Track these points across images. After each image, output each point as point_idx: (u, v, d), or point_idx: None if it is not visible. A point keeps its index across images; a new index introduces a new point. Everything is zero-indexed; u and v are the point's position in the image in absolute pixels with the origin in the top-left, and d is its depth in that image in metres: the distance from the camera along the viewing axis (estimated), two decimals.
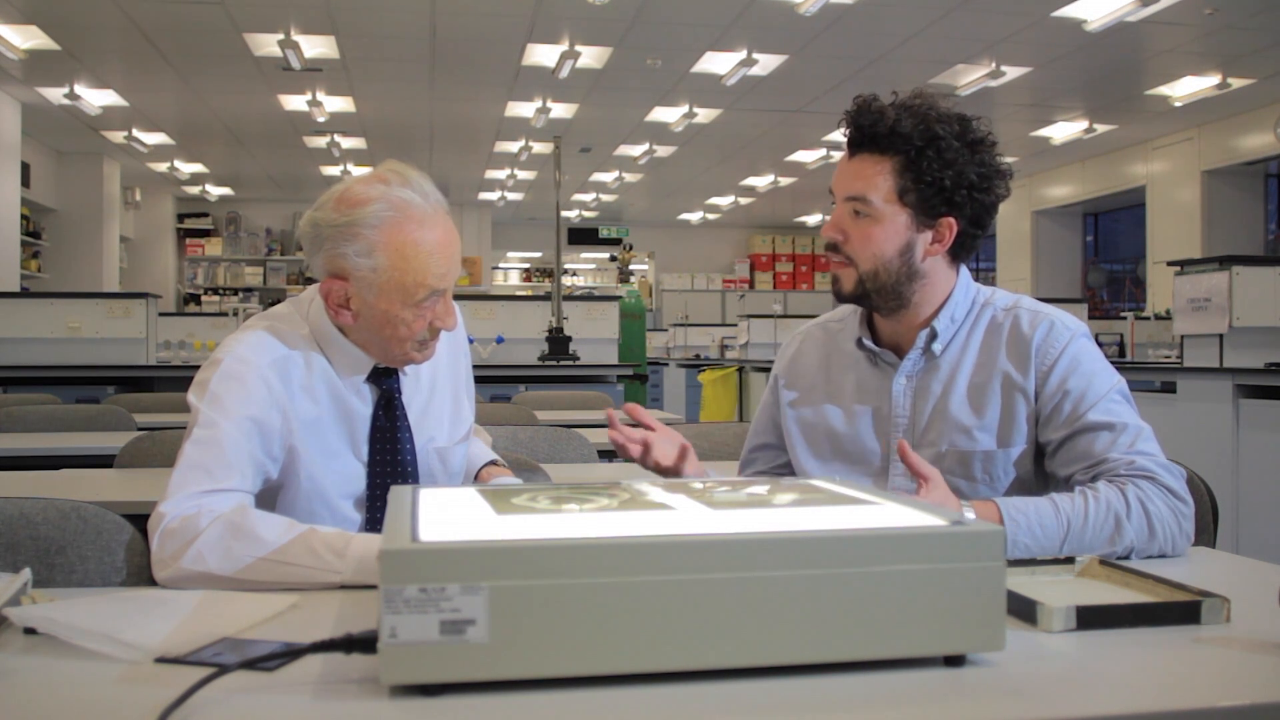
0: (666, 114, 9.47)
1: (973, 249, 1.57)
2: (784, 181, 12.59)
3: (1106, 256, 12.90)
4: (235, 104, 9.14)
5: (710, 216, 15.46)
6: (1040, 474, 1.54)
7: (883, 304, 1.55)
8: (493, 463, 1.77)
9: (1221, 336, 4.91)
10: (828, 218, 1.56)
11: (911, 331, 1.57)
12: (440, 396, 1.63)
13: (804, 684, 0.85)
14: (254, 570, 1.22)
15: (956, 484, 1.53)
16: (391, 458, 1.53)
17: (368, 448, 1.52)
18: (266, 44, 7.32)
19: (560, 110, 9.25)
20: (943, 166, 1.47)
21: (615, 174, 12.29)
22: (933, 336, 1.55)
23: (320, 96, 8.75)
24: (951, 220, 1.50)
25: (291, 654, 0.90)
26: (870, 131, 1.49)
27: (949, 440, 1.52)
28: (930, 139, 1.46)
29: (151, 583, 1.28)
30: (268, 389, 1.42)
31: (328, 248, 1.44)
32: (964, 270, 1.59)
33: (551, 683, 0.83)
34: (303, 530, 1.26)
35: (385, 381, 1.54)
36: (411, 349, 1.49)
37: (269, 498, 1.46)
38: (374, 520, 1.52)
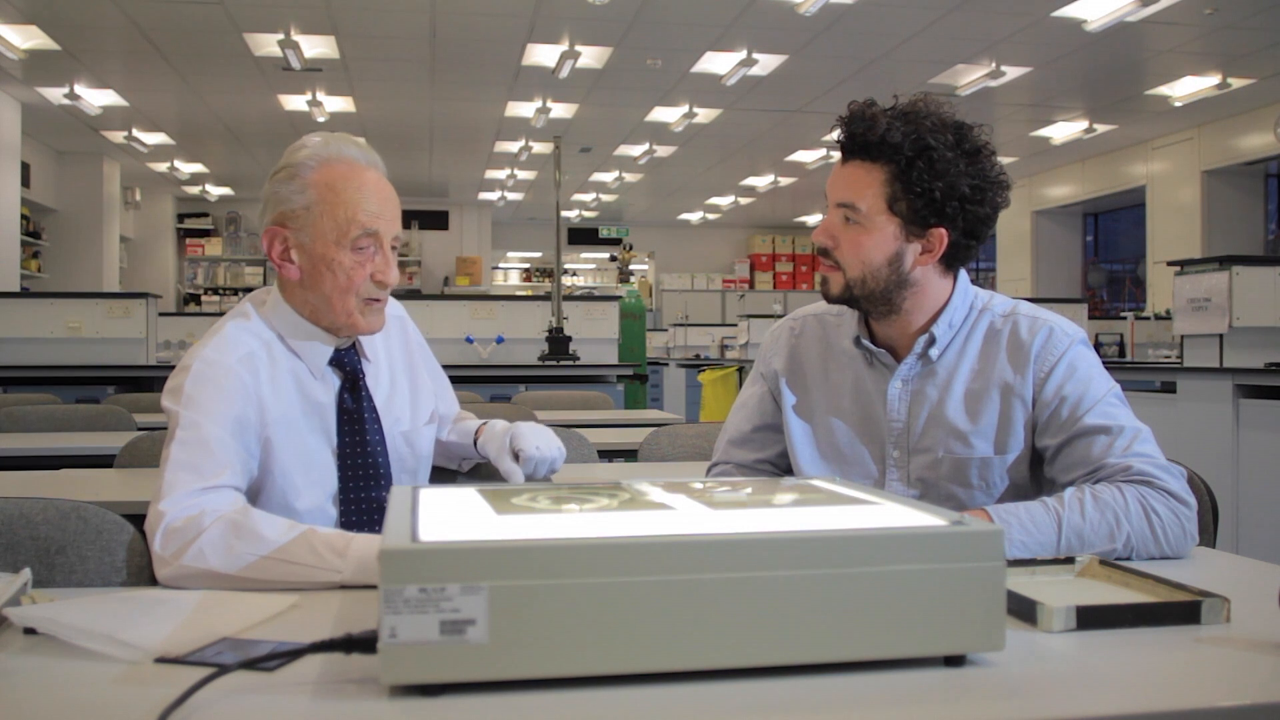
0: (666, 114, 9.47)
1: (968, 258, 1.55)
2: (784, 181, 12.59)
3: (1106, 256, 12.90)
4: (235, 104, 9.14)
5: (710, 216, 15.46)
6: (1036, 482, 1.54)
7: (871, 308, 1.55)
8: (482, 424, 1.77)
9: (1221, 336, 4.91)
10: (825, 218, 1.55)
11: (905, 336, 1.56)
12: (397, 385, 1.65)
13: (804, 684, 0.85)
14: (255, 569, 1.23)
15: (952, 491, 1.53)
16: (360, 439, 1.54)
17: (336, 432, 1.53)
18: (266, 44, 7.32)
19: (560, 110, 9.26)
20: (934, 178, 1.45)
21: (615, 174, 12.28)
22: (930, 342, 1.54)
23: (320, 96, 8.75)
24: (942, 231, 1.49)
25: (291, 654, 0.90)
26: (861, 139, 1.48)
27: (945, 446, 1.52)
28: (921, 149, 1.45)
29: (152, 582, 1.28)
30: (240, 384, 1.44)
31: (271, 201, 1.50)
32: (963, 275, 1.57)
33: (551, 683, 0.83)
34: (303, 530, 1.26)
35: (348, 361, 1.56)
36: (356, 309, 1.50)
37: (248, 496, 1.46)
38: (346, 505, 1.53)
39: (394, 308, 1.67)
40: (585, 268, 16.29)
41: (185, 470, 1.34)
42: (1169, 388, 4.92)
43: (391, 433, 1.59)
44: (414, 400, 1.67)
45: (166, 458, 1.37)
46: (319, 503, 1.51)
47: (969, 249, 1.53)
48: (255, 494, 1.47)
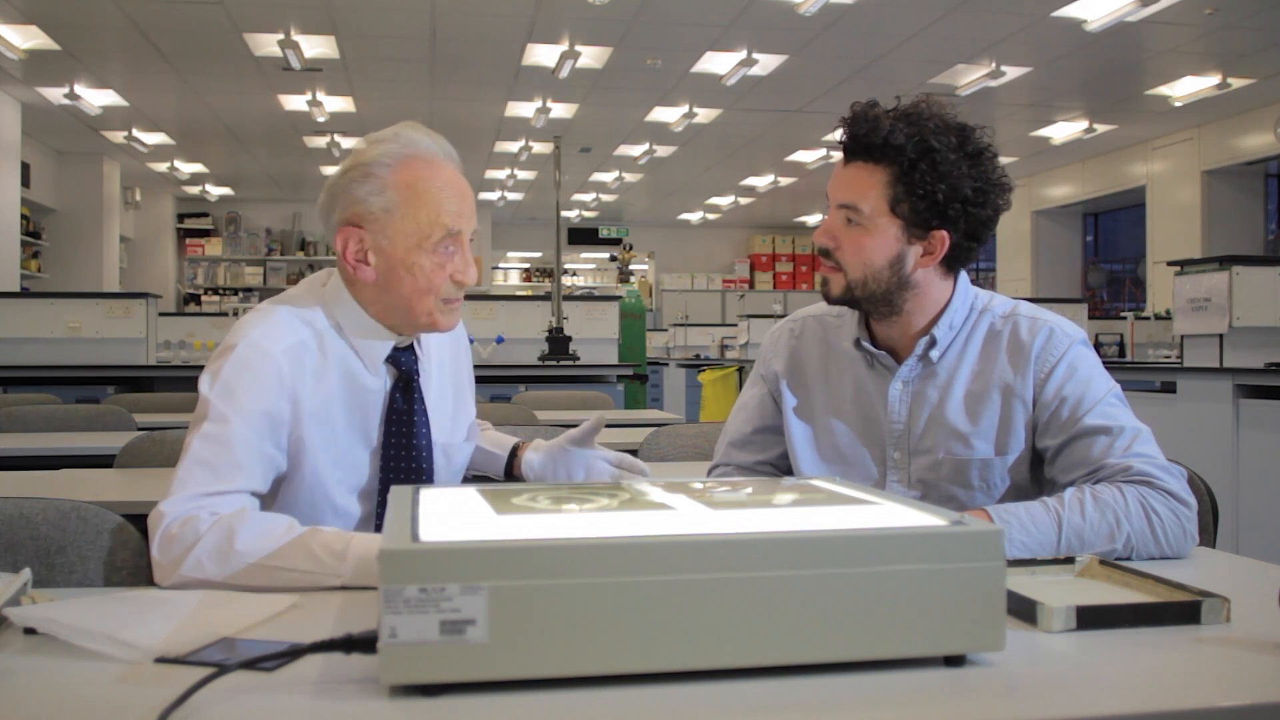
0: (666, 114, 9.47)
1: (969, 260, 1.55)
2: (784, 181, 12.59)
3: (1106, 256, 12.90)
4: (235, 104, 9.14)
5: (710, 216, 15.46)
6: (1036, 482, 1.54)
7: (873, 310, 1.54)
8: (516, 445, 1.74)
9: (1221, 336, 4.92)
10: (826, 218, 1.55)
11: (906, 338, 1.56)
12: (444, 393, 1.61)
13: (804, 684, 0.85)
14: (253, 576, 1.22)
15: (953, 492, 1.53)
16: (407, 442, 1.50)
17: (382, 431, 1.49)
18: (266, 44, 7.32)
19: (560, 110, 9.26)
20: (936, 180, 1.45)
21: (615, 174, 12.29)
22: (931, 344, 1.54)
23: (320, 96, 8.75)
24: (944, 234, 1.49)
25: (291, 654, 0.90)
26: (864, 141, 1.47)
27: (945, 448, 1.52)
28: (924, 151, 1.44)
29: (151, 582, 1.27)
30: (279, 378, 1.39)
31: (342, 200, 1.43)
32: (963, 277, 1.57)
33: (551, 683, 0.83)
34: (302, 532, 1.25)
35: (404, 360, 1.51)
36: (435, 309, 1.45)
37: (272, 491, 1.44)
38: (385, 508, 1.50)
39: None
40: (585, 268, 16.29)
41: (201, 467, 1.31)
42: (1169, 388, 4.92)
43: (434, 444, 1.55)
44: (456, 413, 1.63)
45: (187, 447, 1.34)
46: (348, 498, 1.48)
47: (970, 251, 1.53)
48: (284, 486, 1.44)
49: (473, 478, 1.76)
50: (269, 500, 1.42)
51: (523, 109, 9.26)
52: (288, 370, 1.40)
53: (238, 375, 1.37)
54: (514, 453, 1.72)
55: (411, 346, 1.53)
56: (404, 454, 1.50)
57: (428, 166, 1.43)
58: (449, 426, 1.61)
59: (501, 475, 1.72)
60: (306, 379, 1.43)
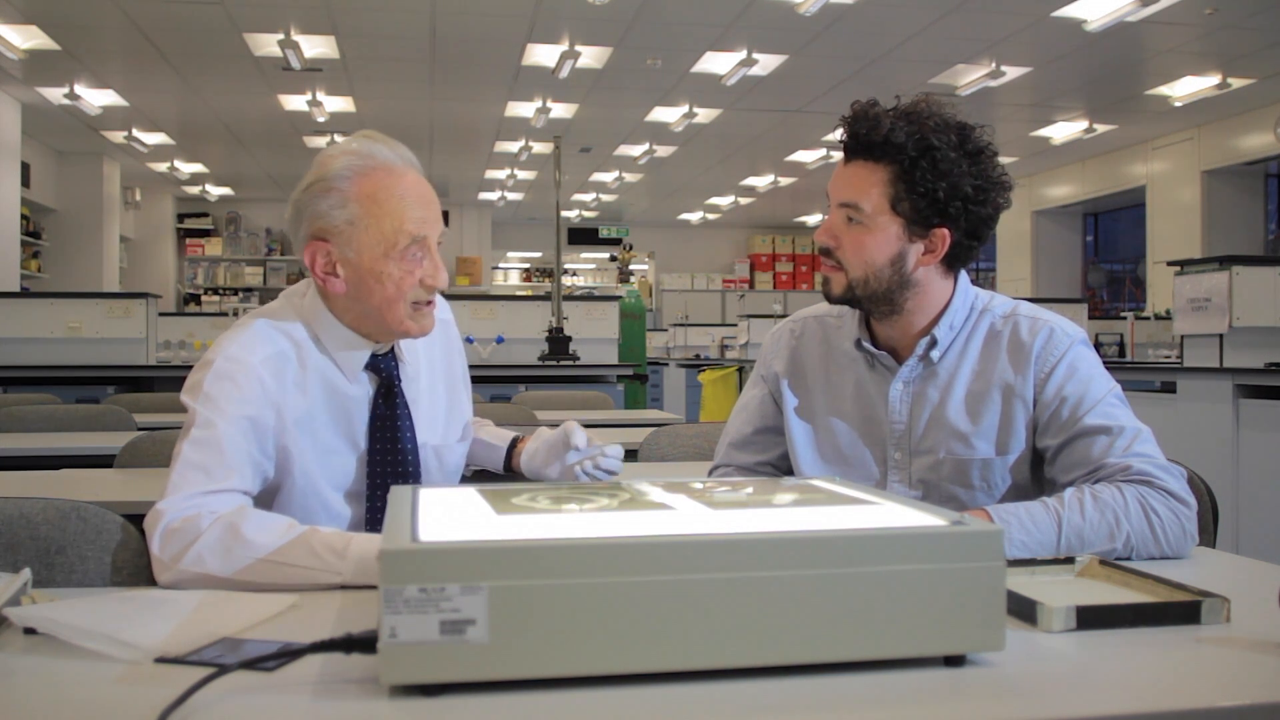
0: (666, 114, 9.47)
1: (969, 259, 1.55)
2: (784, 181, 12.59)
3: (1106, 256, 12.90)
4: (235, 104, 9.14)
5: (710, 216, 15.46)
6: (1037, 482, 1.54)
7: (874, 309, 1.55)
8: (517, 438, 1.74)
9: (1221, 336, 4.92)
10: (827, 218, 1.55)
11: (907, 337, 1.56)
12: (435, 394, 1.62)
13: (804, 684, 0.85)
14: (254, 572, 1.22)
15: (954, 492, 1.53)
16: (392, 447, 1.51)
17: (367, 438, 1.51)
18: (266, 44, 7.32)
19: (560, 110, 9.26)
20: (937, 178, 1.45)
21: (615, 174, 12.29)
22: (932, 344, 1.54)
23: (320, 96, 8.75)
24: (945, 232, 1.49)
25: (291, 654, 0.90)
26: (865, 139, 1.48)
27: (946, 448, 1.52)
28: (925, 149, 1.45)
29: (151, 582, 1.28)
30: (261, 387, 1.41)
31: (306, 215, 1.45)
32: (963, 276, 1.57)
33: (551, 683, 0.83)
34: (303, 531, 1.26)
35: (384, 366, 1.52)
36: (406, 315, 1.46)
37: (266, 497, 1.45)
38: (374, 513, 1.51)
39: (442, 310, 1.62)
40: (585, 268, 16.29)
41: (194, 470, 1.33)
42: (1169, 388, 4.92)
43: (422, 447, 1.56)
44: (449, 413, 1.63)
45: (178, 454, 1.35)
46: (340, 504, 1.50)
47: (971, 249, 1.53)
48: (275, 493, 1.45)
49: (474, 473, 1.77)
50: (263, 509, 1.42)
51: (523, 109, 9.25)
52: (269, 379, 1.42)
53: (219, 386, 1.39)
54: (513, 445, 1.72)
55: (392, 351, 1.55)
56: (390, 458, 1.52)
57: (388, 175, 1.44)
58: (441, 428, 1.62)
59: (501, 468, 1.72)
60: (288, 388, 1.44)
